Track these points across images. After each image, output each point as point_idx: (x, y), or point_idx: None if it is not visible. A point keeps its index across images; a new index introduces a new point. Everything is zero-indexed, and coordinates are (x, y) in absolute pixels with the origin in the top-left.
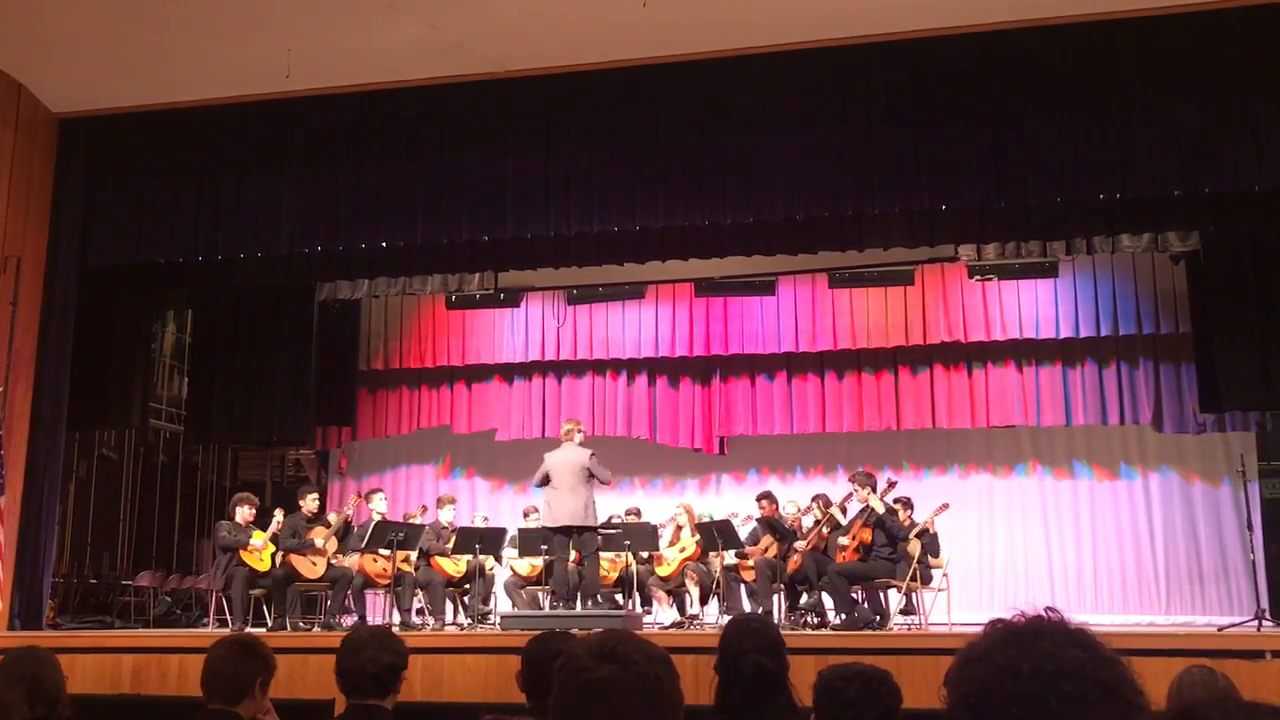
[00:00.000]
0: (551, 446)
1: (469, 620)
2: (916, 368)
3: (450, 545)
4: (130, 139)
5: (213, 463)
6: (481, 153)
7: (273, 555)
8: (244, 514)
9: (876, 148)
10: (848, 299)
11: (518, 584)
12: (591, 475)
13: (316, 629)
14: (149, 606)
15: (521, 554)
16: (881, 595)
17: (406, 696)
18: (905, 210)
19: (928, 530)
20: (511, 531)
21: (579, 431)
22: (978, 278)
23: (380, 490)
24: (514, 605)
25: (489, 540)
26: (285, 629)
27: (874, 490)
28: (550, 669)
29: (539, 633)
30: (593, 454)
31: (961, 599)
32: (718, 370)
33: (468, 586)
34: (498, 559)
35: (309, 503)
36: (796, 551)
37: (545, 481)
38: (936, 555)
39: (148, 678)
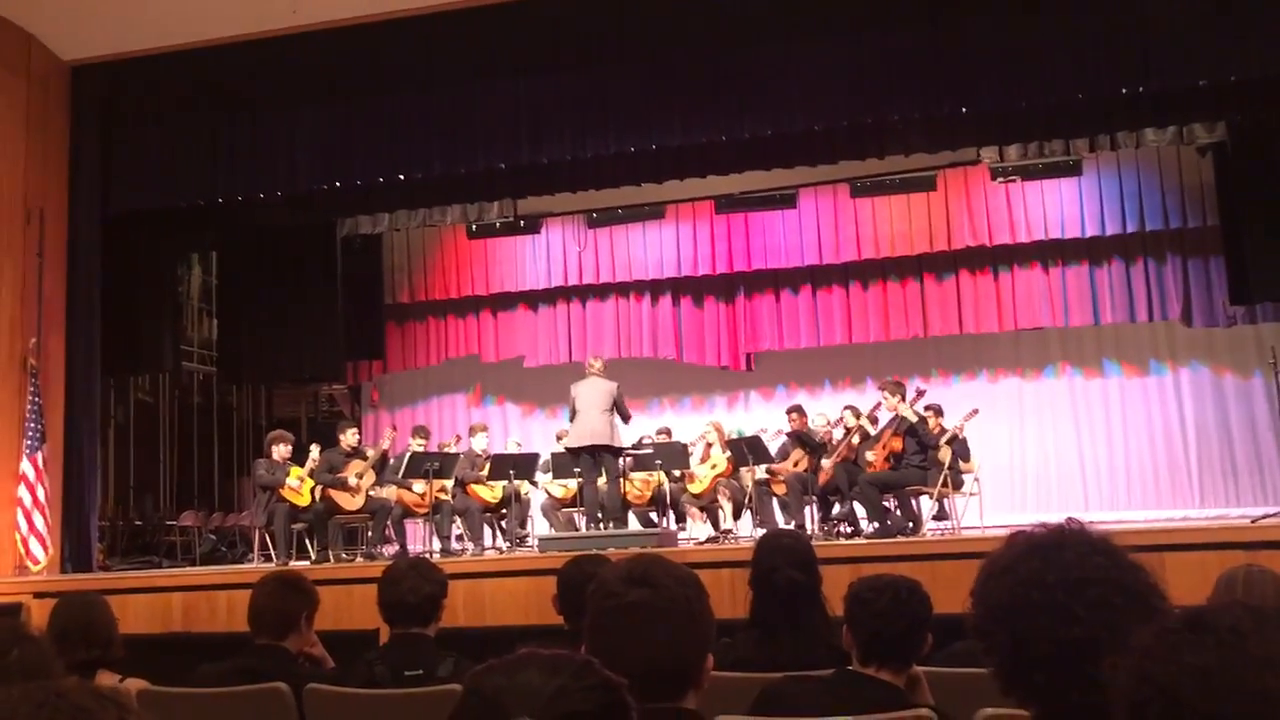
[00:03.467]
0: (577, 376)
1: (507, 544)
2: (942, 274)
3: (485, 472)
4: (143, 83)
5: (248, 401)
6: (493, 79)
7: (312, 490)
8: (280, 451)
9: (893, 53)
10: (870, 208)
11: (554, 506)
12: (616, 404)
13: (359, 560)
14: (194, 545)
15: (555, 477)
16: (913, 502)
17: (450, 621)
18: (925, 115)
19: (958, 436)
20: (545, 456)
21: (604, 365)
22: (1001, 180)
23: (423, 427)
24: (551, 528)
25: (522, 465)
26: (328, 561)
27: (903, 399)
28: (585, 592)
29: (573, 555)
30: (619, 385)
31: (994, 502)
32: (742, 286)
33: (504, 511)
34: (532, 483)
35: (348, 437)
36: (827, 464)
37: (574, 408)
38: (967, 460)
39: (197, 615)
